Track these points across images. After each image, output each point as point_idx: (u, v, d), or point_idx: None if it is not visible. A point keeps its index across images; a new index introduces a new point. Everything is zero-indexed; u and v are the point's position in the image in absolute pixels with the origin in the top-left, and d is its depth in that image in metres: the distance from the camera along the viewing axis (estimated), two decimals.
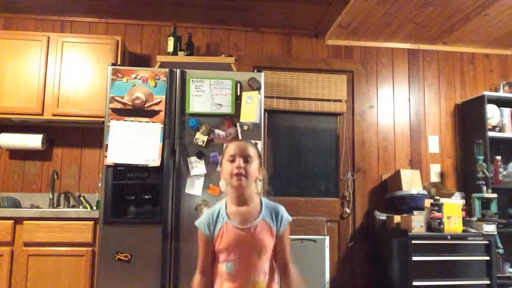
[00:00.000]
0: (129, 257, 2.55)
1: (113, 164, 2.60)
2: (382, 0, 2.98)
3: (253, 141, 1.91)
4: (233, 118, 2.71)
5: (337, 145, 3.69)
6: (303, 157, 3.65)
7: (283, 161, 3.63)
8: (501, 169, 3.46)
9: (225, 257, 1.59)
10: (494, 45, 3.81)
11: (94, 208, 3.14)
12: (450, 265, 2.93)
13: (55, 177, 3.20)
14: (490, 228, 2.99)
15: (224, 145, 1.75)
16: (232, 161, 1.61)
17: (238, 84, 2.75)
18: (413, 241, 2.90)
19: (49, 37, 3.10)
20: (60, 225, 2.68)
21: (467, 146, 3.63)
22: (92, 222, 2.70)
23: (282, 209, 1.67)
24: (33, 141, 3.14)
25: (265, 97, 3.05)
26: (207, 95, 2.72)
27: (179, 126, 2.67)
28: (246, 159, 1.61)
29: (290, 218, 1.67)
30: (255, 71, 2.85)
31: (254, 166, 1.62)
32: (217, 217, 1.63)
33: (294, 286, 1.63)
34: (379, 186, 3.61)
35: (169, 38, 3.25)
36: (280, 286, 1.67)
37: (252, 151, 1.64)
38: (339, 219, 3.56)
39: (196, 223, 1.66)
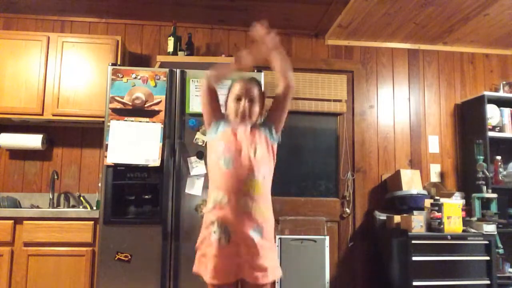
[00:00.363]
0: (129, 257, 2.55)
1: (113, 164, 2.60)
2: (382, 0, 2.98)
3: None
4: None
5: (337, 145, 3.69)
6: (303, 157, 3.65)
7: (283, 161, 3.62)
8: (501, 169, 3.46)
9: (223, 152, 1.72)
10: (494, 45, 3.81)
11: (94, 208, 3.14)
12: (450, 265, 2.93)
13: (55, 177, 3.20)
14: (490, 228, 2.99)
15: (230, 82, 1.88)
16: (238, 100, 1.76)
17: None
18: (413, 241, 2.90)
19: (49, 37, 3.10)
20: (60, 225, 2.68)
21: (467, 146, 3.63)
22: (92, 222, 2.70)
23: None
24: (33, 141, 3.14)
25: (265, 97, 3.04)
26: None
27: (179, 126, 2.67)
28: (251, 99, 1.77)
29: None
30: (255, 71, 2.85)
31: (258, 106, 1.80)
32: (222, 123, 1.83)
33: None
34: (379, 186, 3.61)
35: (169, 38, 3.25)
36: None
37: (256, 92, 1.81)
38: (339, 219, 3.55)
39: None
